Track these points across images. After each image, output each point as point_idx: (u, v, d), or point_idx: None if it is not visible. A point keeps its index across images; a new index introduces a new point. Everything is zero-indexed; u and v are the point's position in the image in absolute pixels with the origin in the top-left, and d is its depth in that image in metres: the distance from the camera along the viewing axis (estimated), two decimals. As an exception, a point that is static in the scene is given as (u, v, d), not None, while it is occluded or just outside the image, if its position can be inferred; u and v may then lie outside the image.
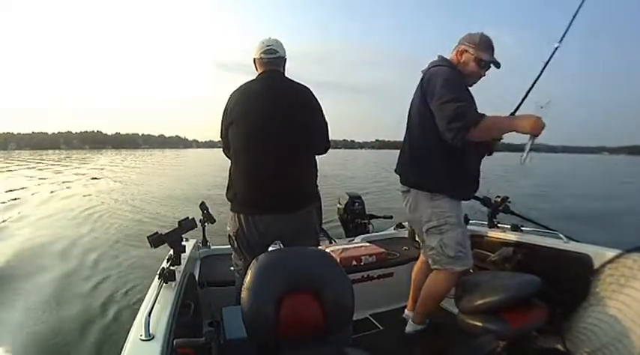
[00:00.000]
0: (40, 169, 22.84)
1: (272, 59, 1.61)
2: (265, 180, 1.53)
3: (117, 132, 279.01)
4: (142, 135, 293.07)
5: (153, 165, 27.66)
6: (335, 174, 16.10)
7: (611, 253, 1.63)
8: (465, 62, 1.68)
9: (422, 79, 1.71)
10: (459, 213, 1.72)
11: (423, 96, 1.65)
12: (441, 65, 1.70)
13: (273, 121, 1.53)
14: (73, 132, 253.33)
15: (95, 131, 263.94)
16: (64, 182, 14.54)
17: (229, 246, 1.72)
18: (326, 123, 1.67)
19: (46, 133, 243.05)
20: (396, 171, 1.86)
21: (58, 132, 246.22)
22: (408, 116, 1.79)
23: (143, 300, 1.12)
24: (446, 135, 1.54)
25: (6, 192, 10.72)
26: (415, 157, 1.75)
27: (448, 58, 1.75)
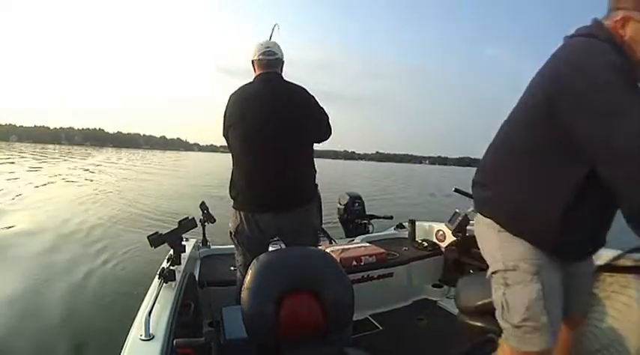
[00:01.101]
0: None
1: (271, 61, 1.63)
2: (264, 180, 1.57)
3: (118, 131, 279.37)
4: (144, 135, 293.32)
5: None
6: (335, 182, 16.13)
7: (611, 253, 1.63)
8: (635, 38, 0.87)
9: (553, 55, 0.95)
10: (544, 260, 0.99)
11: (549, 86, 0.90)
12: (588, 35, 0.91)
13: (270, 123, 1.56)
14: (75, 128, 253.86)
15: (97, 128, 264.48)
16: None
17: (229, 246, 1.73)
18: (326, 115, 1.70)
19: (48, 128, 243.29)
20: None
21: (60, 128, 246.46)
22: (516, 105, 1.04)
23: (143, 300, 1.12)
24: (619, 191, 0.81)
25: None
26: (494, 168, 1.08)
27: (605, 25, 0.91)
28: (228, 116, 1.64)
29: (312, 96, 1.66)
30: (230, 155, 1.68)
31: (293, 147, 1.59)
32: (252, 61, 1.66)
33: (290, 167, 1.58)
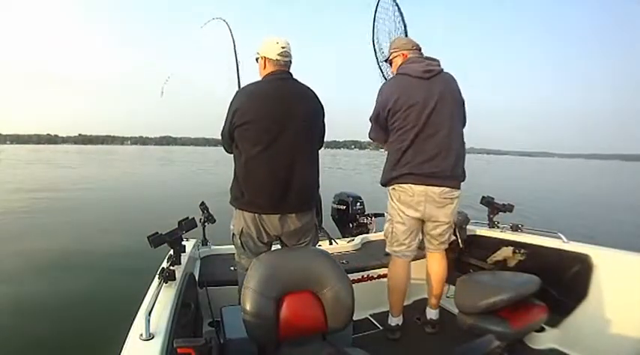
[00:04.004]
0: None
1: (287, 62, 1.61)
2: (274, 181, 1.53)
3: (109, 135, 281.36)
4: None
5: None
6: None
7: (610, 253, 1.64)
8: None
9: None
10: None
11: None
12: None
13: (286, 124, 1.53)
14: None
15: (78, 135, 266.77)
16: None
17: (229, 246, 1.71)
18: (324, 126, 1.70)
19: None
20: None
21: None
22: None
23: (143, 300, 1.12)
24: None
25: None
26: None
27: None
28: (239, 113, 1.55)
29: (321, 102, 1.65)
30: (222, 151, 1.67)
31: (304, 149, 1.57)
32: (264, 58, 1.60)
33: (301, 168, 1.56)
